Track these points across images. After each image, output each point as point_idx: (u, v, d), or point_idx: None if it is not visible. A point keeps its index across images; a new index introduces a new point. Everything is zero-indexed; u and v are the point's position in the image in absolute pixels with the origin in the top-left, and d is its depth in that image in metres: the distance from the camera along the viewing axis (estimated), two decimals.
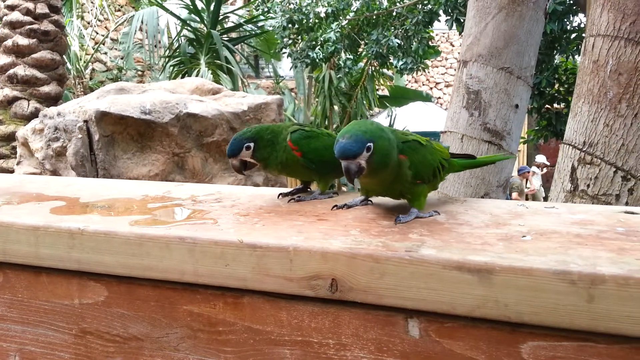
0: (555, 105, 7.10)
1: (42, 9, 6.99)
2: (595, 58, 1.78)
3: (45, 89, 7.04)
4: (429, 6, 7.82)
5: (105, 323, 1.03)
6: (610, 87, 1.69)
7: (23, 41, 6.92)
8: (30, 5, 6.94)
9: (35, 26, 6.93)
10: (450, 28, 7.51)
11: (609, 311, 0.72)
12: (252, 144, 1.18)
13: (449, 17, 7.29)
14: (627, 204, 1.70)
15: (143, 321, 1.00)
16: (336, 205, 1.11)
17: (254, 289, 0.91)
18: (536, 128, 7.39)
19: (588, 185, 1.73)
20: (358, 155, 0.94)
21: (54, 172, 3.72)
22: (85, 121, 3.42)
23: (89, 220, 1.06)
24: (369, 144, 0.95)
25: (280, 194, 1.25)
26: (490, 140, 3.40)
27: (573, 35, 6.81)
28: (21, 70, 6.96)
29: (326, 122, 11.58)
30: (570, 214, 1.03)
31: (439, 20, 7.93)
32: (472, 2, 3.55)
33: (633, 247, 0.83)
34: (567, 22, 6.71)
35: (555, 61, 7.06)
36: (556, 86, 6.93)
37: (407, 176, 1.03)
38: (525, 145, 11.12)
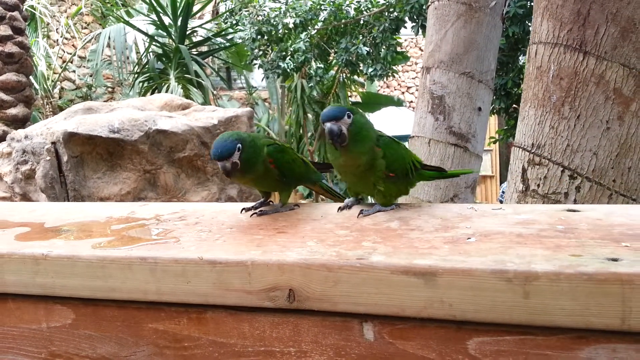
0: None
1: (5, 31, 6.89)
2: (539, 64, 1.88)
3: (12, 111, 6.94)
4: (395, 13, 7.95)
5: (73, 345, 1.05)
6: (554, 91, 1.78)
7: None
8: None
9: None
10: (417, 34, 7.64)
11: (544, 305, 0.78)
12: (240, 145, 1.19)
13: (414, 24, 7.43)
14: (575, 201, 1.79)
15: (110, 341, 1.02)
16: (340, 207, 1.21)
17: (216, 303, 0.94)
18: (505, 128, 7.56)
19: (538, 185, 1.82)
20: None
21: (24, 196, 3.67)
22: (53, 143, 3.40)
23: (52, 245, 1.08)
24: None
25: (243, 208, 1.28)
26: (456, 143, 3.49)
27: None
28: None
29: (301, 131, 11.64)
30: (515, 214, 1.08)
31: (405, 27, 8.07)
32: (431, 10, 3.65)
33: (568, 244, 0.89)
34: (529, 24, 6.91)
35: (520, 62, 7.24)
36: (522, 86, 7.10)
37: (381, 166, 1.16)
38: (497, 144, 11.34)
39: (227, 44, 10.86)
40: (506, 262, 0.81)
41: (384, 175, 1.18)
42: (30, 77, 7.67)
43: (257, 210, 1.25)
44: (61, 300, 1.04)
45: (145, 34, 9.80)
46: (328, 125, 1.12)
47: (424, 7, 6.99)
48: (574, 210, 1.09)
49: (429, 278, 0.82)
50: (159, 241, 1.05)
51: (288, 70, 8.97)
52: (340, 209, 1.21)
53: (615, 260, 0.80)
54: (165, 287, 0.95)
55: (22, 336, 1.08)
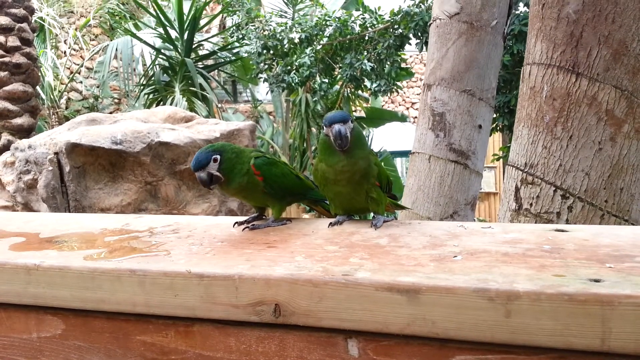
0: None
1: (13, 42, 6.99)
2: (532, 85, 1.90)
3: (18, 121, 7.01)
4: (400, 30, 8.02)
5: (63, 355, 1.06)
6: (547, 111, 1.80)
7: None
8: (2, 39, 6.94)
9: (6, 59, 6.93)
10: (421, 51, 7.71)
11: (525, 325, 0.78)
12: (218, 157, 1.22)
13: (419, 41, 7.50)
14: (567, 221, 1.79)
15: (99, 352, 1.03)
16: (331, 223, 1.23)
17: (203, 317, 0.95)
18: (508, 145, 7.57)
19: (531, 204, 1.83)
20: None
21: (26, 205, 3.70)
22: (56, 153, 3.44)
23: (46, 255, 1.09)
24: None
25: (235, 222, 1.29)
26: (456, 160, 3.50)
27: None
28: None
29: (304, 145, 11.68)
30: (503, 233, 1.09)
31: (409, 44, 8.14)
32: (433, 28, 3.69)
33: (553, 264, 0.90)
34: None
35: None
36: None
37: (374, 172, 1.21)
38: (500, 161, 11.33)
39: (233, 58, 10.97)
40: (489, 281, 0.82)
41: (374, 183, 1.22)
42: (37, 88, 7.76)
43: (249, 225, 1.27)
44: (52, 311, 1.05)
45: (152, 46, 9.92)
46: (336, 126, 1.14)
47: (428, 25, 7.05)
48: (563, 230, 1.10)
49: (412, 295, 0.82)
50: (149, 254, 1.06)
51: (293, 84, 9.04)
52: (331, 224, 1.22)
53: (597, 281, 0.80)
54: (154, 299, 0.96)
55: (13, 346, 1.09)
